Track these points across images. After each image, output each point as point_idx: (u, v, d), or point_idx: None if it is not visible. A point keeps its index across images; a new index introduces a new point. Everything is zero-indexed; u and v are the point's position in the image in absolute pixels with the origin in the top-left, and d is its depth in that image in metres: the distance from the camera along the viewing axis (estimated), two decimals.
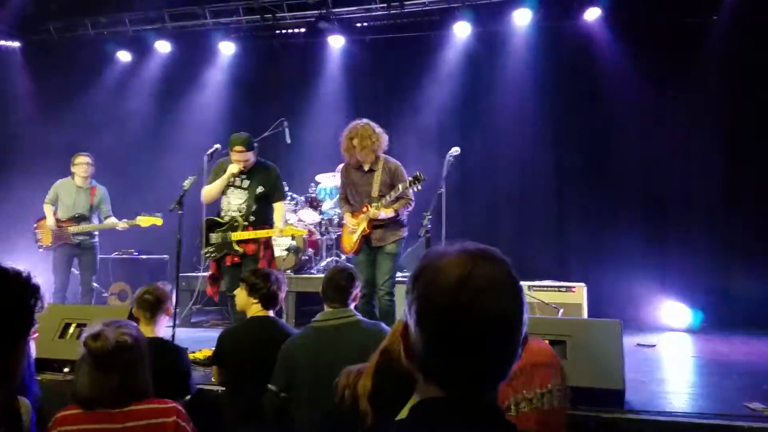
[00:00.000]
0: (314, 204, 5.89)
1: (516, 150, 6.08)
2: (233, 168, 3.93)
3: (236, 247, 3.89)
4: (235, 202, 3.98)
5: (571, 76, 5.84)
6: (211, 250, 4.02)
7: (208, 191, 4.00)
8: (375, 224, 3.75)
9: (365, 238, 3.80)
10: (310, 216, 5.88)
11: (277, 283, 2.67)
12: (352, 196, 3.91)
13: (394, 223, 3.78)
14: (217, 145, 4.18)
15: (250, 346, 2.52)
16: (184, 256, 4.07)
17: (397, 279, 3.84)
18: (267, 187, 3.95)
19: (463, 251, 0.86)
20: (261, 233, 3.86)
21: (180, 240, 3.87)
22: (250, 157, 3.90)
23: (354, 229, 3.87)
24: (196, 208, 4.05)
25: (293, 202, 5.71)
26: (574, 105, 5.87)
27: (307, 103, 6.70)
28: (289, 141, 4.86)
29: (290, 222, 4.05)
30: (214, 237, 4.00)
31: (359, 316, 2.40)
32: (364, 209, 3.77)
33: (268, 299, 2.64)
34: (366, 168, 3.77)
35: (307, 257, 5.66)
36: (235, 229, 3.93)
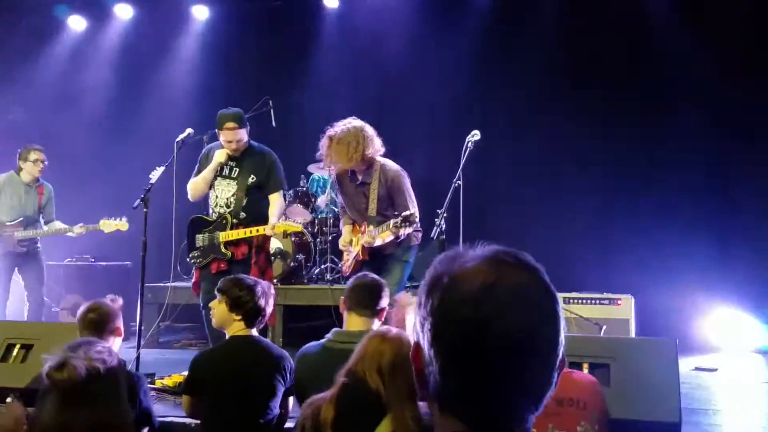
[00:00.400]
0: (305, 200, 5.92)
1: (548, 135, 6.10)
2: (220, 155, 3.94)
3: (224, 250, 3.90)
4: (223, 196, 3.99)
5: (618, 50, 5.84)
6: (196, 255, 4.03)
7: (194, 185, 4.03)
8: (373, 250, 3.74)
9: (362, 263, 3.80)
10: (300, 214, 5.91)
11: (265, 297, 2.61)
12: (349, 208, 3.91)
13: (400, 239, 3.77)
14: (190, 130, 4.20)
15: (230, 372, 2.47)
16: (151, 263, 4.11)
17: (407, 287, 3.91)
18: (260, 175, 3.96)
19: (487, 256, 0.84)
20: (253, 231, 3.89)
21: (145, 243, 3.90)
22: (244, 136, 3.92)
23: (347, 248, 3.88)
24: (166, 206, 4.10)
25: None
26: (624, 84, 5.85)
27: (298, 80, 6.70)
28: (274, 124, 4.91)
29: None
30: (201, 239, 4.02)
31: None
32: (362, 228, 3.78)
33: (253, 316, 2.58)
34: (359, 178, 3.77)
35: (296, 264, 5.71)
36: (223, 228, 3.94)
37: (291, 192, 5.88)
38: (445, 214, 3.52)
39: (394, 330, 1.94)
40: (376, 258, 3.79)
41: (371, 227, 3.66)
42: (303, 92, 6.70)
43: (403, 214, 3.45)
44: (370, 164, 3.70)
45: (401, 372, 1.75)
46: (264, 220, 3.92)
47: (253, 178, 3.97)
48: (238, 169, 4.00)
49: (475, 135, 3.79)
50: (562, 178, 6.11)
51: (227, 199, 4.00)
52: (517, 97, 6.19)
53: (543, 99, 6.09)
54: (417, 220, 3.64)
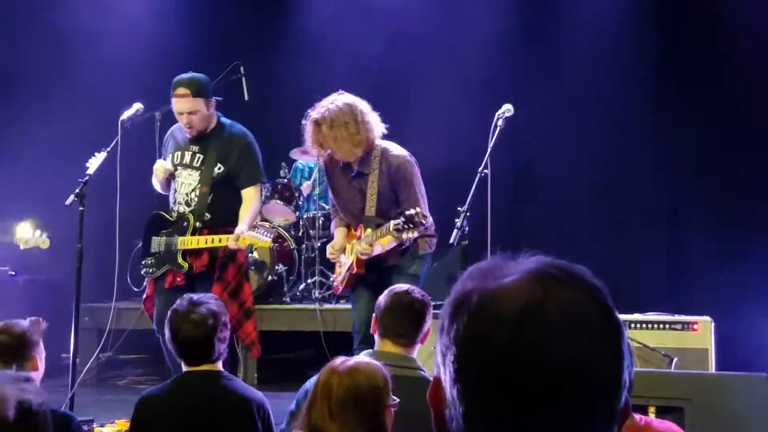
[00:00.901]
0: (287, 194, 5.95)
1: (603, 115, 6.11)
2: (159, 169, 3.99)
3: (180, 261, 3.92)
4: (183, 191, 4.02)
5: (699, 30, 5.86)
6: (150, 262, 4.06)
7: (154, 182, 4.14)
8: (371, 261, 3.72)
9: (356, 279, 3.77)
10: (281, 213, 5.94)
11: (222, 326, 2.55)
12: (342, 208, 3.90)
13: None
14: (138, 105, 4.19)
15: (182, 416, 2.47)
16: (89, 276, 4.11)
17: None
18: (230, 162, 3.97)
19: (530, 269, 0.84)
20: (213, 241, 3.89)
21: (81, 252, 3.89)
22: (201, 107, 3.92)
23: (338, 258, 3.87)
24: (109, 203, 4.10)
25: None
26: (701, 64, 5.87)
27: (279, 40, 6.73)
28: (247, 97, 4.93)
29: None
30: (157, 243, 4.06)
31: (424, 372, 2.46)
32: (358, 233, 3.76)
33: (206, 347, 2.53)
34: (354, 168, 3.75)
35: (275, 278, 5.73)
36: (183, 231, 3.96)
37: (269, 185, 5.89)
38: (467, 213, 3.52)
39: (353, 360, 1.98)
40: (375, 271, 3.74)
41: (368, 231, 3.64)
42: (285, 55, 6.72)
43: (406, 212, 3.44)
44: (369, 150, 3.71)
45: (355, 412, 1.77)
46: (236, 222, 3.92)
47: (220, 168, 3.97)
48: (201, 156, 4.00)
49: (507, 110, 3.79)
50: (621, 171, 6.12)
51: (187, 194, 4.00)
52: (564, 64, 6.20)
53: (602, 72, 6.10)
54: (428, 222, 3.62)
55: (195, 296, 2.61)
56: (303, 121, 3.77)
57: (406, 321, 2.53)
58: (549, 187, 6.26)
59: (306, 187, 6.06)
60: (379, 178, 3.66)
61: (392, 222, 3.49)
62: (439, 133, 6.13)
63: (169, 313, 2.57)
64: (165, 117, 4.55)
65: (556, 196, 6.22)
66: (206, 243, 3.88)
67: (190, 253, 3.93)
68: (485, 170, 3.61)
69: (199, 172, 3.96)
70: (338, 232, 3.92)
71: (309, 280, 5.89)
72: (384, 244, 3.60)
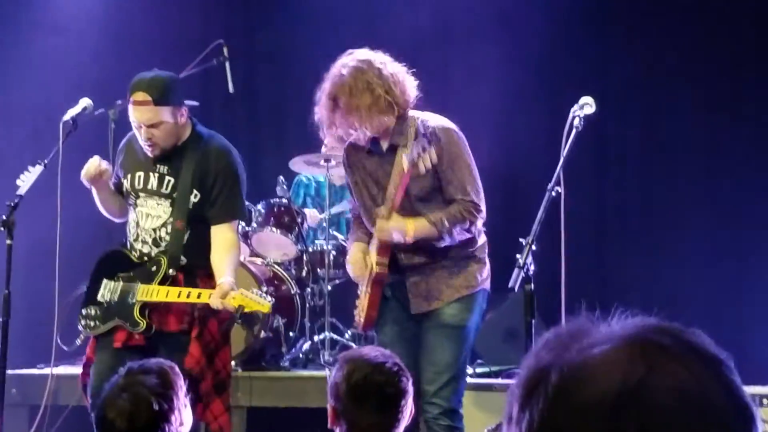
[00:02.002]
0: (287, 219, 6.01)
1: (703, 110, 6.22)
2: (87, 168, 3.98)
3: (136, 317, 3.93)
4: (149, 225, 4.04)
5: None
6: (92, 313, 4.07)
7: (99, 205, 4.17)
8: (406, 262, 3.80)
9: (382, 289, 3.84)
10: (278, 245, 6.00)
11: (170, 413, 2.49)
12: (368, 207, 3.95)
13: (452, 254, 3.83)
14: (86, 101, 4.27)
15: None
16: (19, 333, 4.15)
17: (470, 381, 3.93)
18: (205, 186, 4.02)
19: (628, 335, 0.85)
20: (189, 296, 3.90)
21: (8, 299, 3.94)
22: (165, 118, 3.94)
23: (359, 276, 3.92)
24: (46, 232, 4.13)
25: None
26: None
27: (272, 13, 6.85)
28: (232, 89, 4.99)
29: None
30: (108, 289, 4.08)
31: None
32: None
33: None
34: (384, 146, 3.84)
35: (269, 334, 5.77)
36: (149, 277, 3.99)
37: (262, 205, 5.96)
38: (533, 247, 3.50)
39: None
40: (411, 321, 3.85)
41: (382, 214, 3.75)
42: (284, 31, 6.81)
43: (458, 196, 3.65)
44: (402, 115, 3.80)
45: None
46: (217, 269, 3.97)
47: (196, 195, 4.01)
48: (172, 179, 4.03)
49: (587, 105, 3.78)
50: (747, 192, 6.15)
51: (155, 230, 4.03)
52: (654, 44, 6.31)
53: (704, 55, 6.20)
54: (481, 219, 3.73)
55: (137, 365, 2.54)
56: (315, 109, 3.83)
57: (375, 414, 2.52)
58: (647, 210, 6.34)
59: (312, 216, 6.12)
60: (413, 153, 3.69)
61: (434, 214, 3.67)
62: (487, 135, 6.15)
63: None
64: (122, 116, 4.61)
65: (656, 222, 6.29)
66: (179, 297, 3.88)
67: (153, 308, 3.94)
68: (557, 188, 3.59)
69: (171, 200, 3.99)
70: (355, 247, 3.96)
71: (316, 337, 5.90)
72: (417, 227, 3.68)
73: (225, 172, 4.02)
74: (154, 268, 3.97)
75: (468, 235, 3.75)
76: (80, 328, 4.12)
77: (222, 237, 3.99)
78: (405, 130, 3.73)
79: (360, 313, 3.90)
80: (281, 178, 6.06)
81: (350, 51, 3.83)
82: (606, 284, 6.30)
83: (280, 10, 6.89)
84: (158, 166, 4.02)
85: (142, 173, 4.04)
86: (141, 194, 4.03)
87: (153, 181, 4.03)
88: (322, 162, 5.83)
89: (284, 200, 6.03)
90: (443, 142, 3.72)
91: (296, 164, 6.11)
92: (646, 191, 6.39)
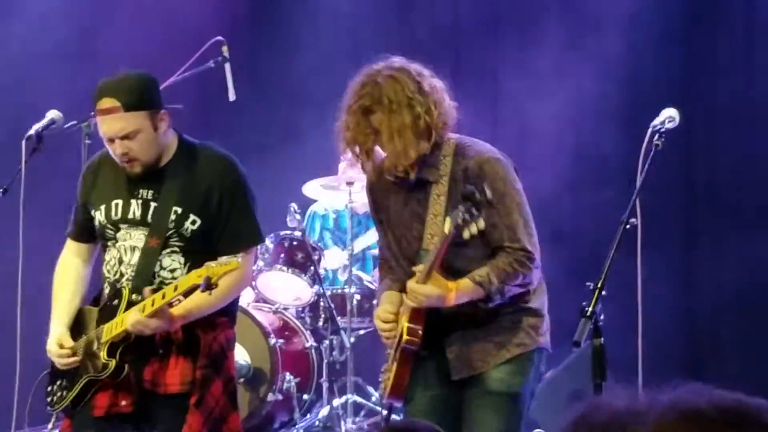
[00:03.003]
0: (299, 258, 6.04)
1: None
2: (52, 348, 3.92)
3: (103, 358, 3.85)
4: (129, 259, 3.99)
5: None
6: (60, 384, 4.02)
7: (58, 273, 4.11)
8: (443, 322, 3.75)
9: (413, 361, 3.78)
10: (289, 288, 6.02)
11: None
12: (395, 252, 3.94)
13: (502, 307, 3.77)
14: (54, 114, 4.31)
15: None
16: None
17: None
18: (208, 208, 3.98)
19: (678, 407, 0.89)
20: (155, 300, 3.74)
21: None
22: (141, 126, 3.84)
23: (389, 341, 3.86)
24: (5, 277, 4.17)
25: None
26: None
27: (284, 8, 6.96)
28: (233, 97, 5.02)
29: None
30: (75, 351, 4.02)
31: None
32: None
33: None
34: (411, 177, 3.79)
35: (279, 397, 5.75)
36: (110, 314, 3.94)
37: (270, 239, 5.97)
38: (603, 292, 3.50)
39: None
40: (451, 389, 3.80)
41: (421, 266, 3.66)
42: (295, 28, 6.87)
43: (506, 243, 3.61)
44: (438, 141, 3.74)
45: None
46: (219, 314, 3.94)
47: (195, 222, 3.97)
48: (155, 204, 4.05)
49: (670, 119, 3.78)
50: None
51: (133, 266, 3.97)
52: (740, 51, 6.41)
53: None
54: (536, 267, 3.67)
55: None
56: (334, 112, 3.76)
57: None
58: (744, 250, 6.31)
59: (335, 257, 6.14)
60: (450, 189, 3.69)
61: (479, 269, 3.59)
62: (548, 156, 6.17)
63: None
64: (97, 131, 4.63)
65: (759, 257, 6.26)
66: (144, 310, 3.75)
67: (128, 348, 3.88)
68: (633, 219, 3.58)
69: (148, 228, 3.91)
70: (386, 297, 3.93)
71: (336, 401, 5.89)
72: (462, 289, 3.63)
73: (232, 189, 3.95)
74: (116, 302, 3.92)
75: (521, 290, 3.70)
76: (49, 409, 4.07)
77: (229, 269, 3.75)
78: (437, 161, 3.72)
79: (386, 382, 3.86)
80: (294, 206, 6.07)
81: (383, 56, 3.79)
82: (694, 337, 6.27)
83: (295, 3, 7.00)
84: (140, 190, 3.96)
85: (120, 201, 3.96)
86: (121, 226, 3.97)
87: (135, 210, 3.95)
88: (342, 186, 5.86)
89: (297, 233, 6.05)
90: (485, 175, 3.66)
91: (312, 189, 6.15)
92: (738, 221, 6.41)
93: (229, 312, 4.03)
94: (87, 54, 6.34)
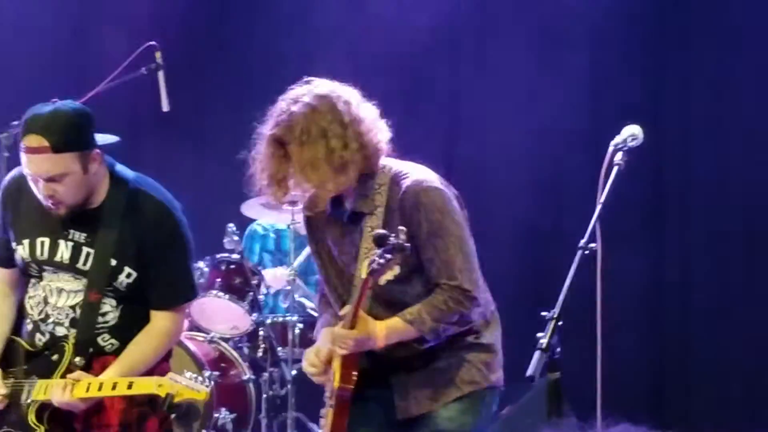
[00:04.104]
0: (237, 282, 6.04)
1: None
2: None
3: (31, 422, 3.83)
4: (63, 301, 3.97)
5: None
6: None
7: None
8: (387, 356, 3.74)
9: (348, 409, 3.73)
10: (225, 317, 6.00)
11: None
12: (335, 286, 3.94)
13: (450, 342, 3.76)
14: None
15: None
16: None
17: None
18: (143, 261, 3.97)
19: None
20: (102, 386, 3.76)
21: None
22: (70, 169, 3.77)
23: (323, 380, 3.84)
24: None
25: None
26: None
27: (224, 15, 6.97)
28: (166, 107, 4.98)
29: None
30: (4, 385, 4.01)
31: None
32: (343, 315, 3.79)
33: None
34: (346, 207, 3.81)
35: None
36: (47, 370, 3.90)
37: (205, 263, 5.96)
38: (560, 322, 3.43)
39: None
40: (383, 403, 3.77)
41: (347, 307, 3.66)
42: (236, 30, 6.89)
43: (442, 281, 3.60)
44: (370, 171, 3.73)
45: None
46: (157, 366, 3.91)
47: (130, 275, 3.91)
48: (89, 250, 3.97)
49: (632, 137, 3.74)
50: None
51: (74, 309, 3.92)
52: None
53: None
54: (480, 304, 3.65)
55: None
56: (253, 157, 3.74)
57: None
58: (712, 273, 6.40)
59: (275, 277, 6.07)
60: (384, 221, 3.67)
61: (409, 309, 3.59)
62: (504, 175, 6.14)
63: None
64: (15, 146, 4.55)
65: (730, 285, 6.36)
66: (87, 392, 3.77)
67: (57, 412, 3.82)
68: (592, 244, 3.52)
69: (85, 277, 3.87)
70: (323, 335, 3.85)
71: None
72: (392, 327, 3.62)
73: (168, 241, 3.92)
74: (55, 357, 3.88)
75: (460, 329, 3.66)
76: None
77: (157, 324, 3.92)
78: (371, 191, 3.70)
79: (324, 429, 3.83)
80: (231, 226, 6.06)
81: (307, 79, 3.76)
82: (658, 370, 6.28)
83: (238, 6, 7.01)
84: (71, 231, 3.90)
85: (47, 240, 3.91)
86: (47, 267, 3.92)
87: (63, 252, 3.90)
88: (285, 205, 5.78)
89: (235, 256, 6.04)
90: (420, 207, 3.66)
91: (251, 208, 6.11)
92: (711, 246, 6.47)
93: None
94: (6, 57, 6.26)
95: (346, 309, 3.66)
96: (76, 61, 5.72)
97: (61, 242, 3.89)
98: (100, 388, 3.72)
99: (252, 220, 6.35)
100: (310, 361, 3.81)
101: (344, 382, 3.66)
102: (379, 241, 3.45)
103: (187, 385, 3.69)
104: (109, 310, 3.89)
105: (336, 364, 3.71)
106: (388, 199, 3.69)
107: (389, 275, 3.47)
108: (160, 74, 4.99)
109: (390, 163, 3.75)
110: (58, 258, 3.89)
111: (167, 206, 3.95)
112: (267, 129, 3.69)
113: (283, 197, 3.81)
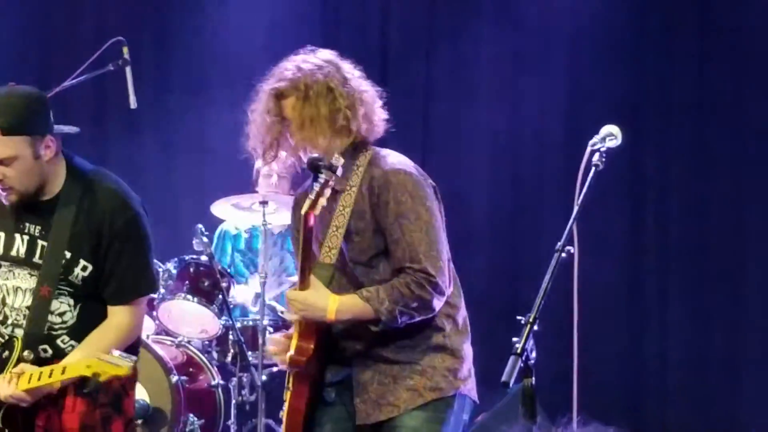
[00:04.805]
0: (206, 285, 6.01)
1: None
2: None
3: None
4: (20, 301, 3.97)
5: None
6: None
7: None
8: (348, 351, 3.74)
9: (307, 386, 3.75)
10: (194, 321, 6.00)
11: None
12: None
13: (413, 342, 3.74)
14: None
15: None
16: None
17: None
18: (99, 255, 3.96)
19: None
20: (32, 377, 3.72)
21: None
22: (20, 152, 3.80)
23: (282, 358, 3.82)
24: None
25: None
26: None
27: (196, 8, 6.96)
28: (134, 104, 4.98)
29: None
30: None
31: None
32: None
33: None
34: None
35: None
36: (2, 367, 3.87)
37: (173, 265, 5.96)
38: (536, 327, 3.43)
39: None
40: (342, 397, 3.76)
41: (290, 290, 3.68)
42: (204, 33, 6.88)
43: (406, 264, 3.59)
44: (359, 146, 3.75)
45: None
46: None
47: (86, 268, 3.90)
48: (43, 243, 3.92)
49: (611, 137, 3.74)
50: None
51: (19, 310, 3.93)
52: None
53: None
54: (443, 289, 3.63)
55: None
56: (249, 117, 3.74)
57: None
58: (690, 276, 6.46)
59: (243, 293, 6.09)
60: (356, 200, 3.70)
61: (366, 289, 3.60)
62: (479, 174, 6.14)
63: None
64: None
65: (709, 290, 6.41)
66: (29, 383, 3.72)
67: (13, 413, 3.83)
68: (569, 247, 3.52)
69: (38, 272, 3.87)
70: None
71: None
72: (352, 307, 3.60)
73: (123, 234, 3.89)
74: (6, 354, 3.86)
75: (420, 317, 3.62)
76: None
77: (114, 320, 3.91)
78: (350, 171, 3.70)
79: (283, 414, 3.82)
80: (200, 227, 5.99)
81: (311, 48, 3.80)
82: (636, 375, 6.30)
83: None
84: (27, 224, 3.90)
85: (2, 234, 3.93)
86: (2, 263, 3.92)
87: (20, 246, 3.91)
88: (255, 206, 5.82)
89: (204, 258, 5.99)
90: (389, 190, 3.65)
91: (221, 209, 6.09)
92: (688, 249, 6.52)
93: (130, 346, 3.96)
94: None
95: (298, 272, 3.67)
96: (41, 56, 5.68)
97: (17, 236, 3.90)
98: (39, 378, 3.69)
99: (221, 221, 6.33)
100: (272, 341, 3.85)
101: (298, 353, 3.63)
102: (313, 164, 3.46)
103: (109, 361, 3.62)
104: (67, 310, 3.88)
105: (293, 338, 3.69)
106: (362, 180, 3.69)
107: (323, 201, 3.47)
108: (128, 70, 4.96)
109: (372, 148, 3.78)
110: (13, 252, 3.90)
111: (124, 197, 3.93)
112: (268, 85, 3.70)
113: (271, 161, 3.81)
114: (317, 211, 3.52)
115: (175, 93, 6.53)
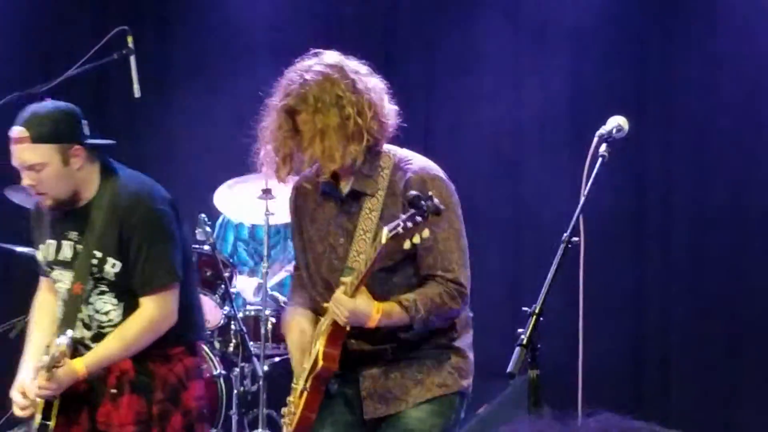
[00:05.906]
0: (208, 275, 6.05)
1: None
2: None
3: (37, 420, 4.00)
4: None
5: None
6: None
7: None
8: (357, 349, 3.76)
9: (325, 387, 3.78)
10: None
11: None
12: (312, 273, 3.94)
13: (422, 342, 3.79)
14: None
15: None
16: None
17: None
18: (124, 251, 4.09)
19: None
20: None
21: None
22: (49, 160, 4.00)
23: (296, 365, 3.90)
24: None
25: None
26: None
27: (194, 14, 6.98)
28: (138, 93, 5.04)
29: None
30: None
31: None
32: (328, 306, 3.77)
33: None
34: (342, 189, 3.82)
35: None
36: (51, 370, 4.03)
37: None
38: (540, 317, 3.50)
39: None
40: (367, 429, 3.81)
41: (349, 279, 3.65)
42: (208, 21, 6.91)
43: (438, 273, 3.63)
44: (375, 150, 3.76)
45: None
46: (168, 345, 4.09)
47: (115, 265, 4.06)
48: (80, 246, 4.11)
49: (617, 128, 3.80)
50: None
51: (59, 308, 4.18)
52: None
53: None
54: (467, 302, 3.70)
55: None
56: (259, 131, 3.77)
57: None
58: (700, 266, 6.47)
59: (247, 284, 6.12)
60: (384, 204, 3.70)
61: (405, 295, 3.60)
62: (485, 167, 6.19)
63: None
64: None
65: (714, 279, 6.41)
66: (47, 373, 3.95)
67: (63, 408, 4.02)
68: (575, 238, 3.59)
69: (72, 271, 4.11)
70: (294, 325, 3.91)
71: None
72: (385, 310, 3.62)
73: (140, 228, 4.07)
74: (56, 361, 4.00)
75: (444, 324, 3.71)
76: None
77: (140, 311, 4.07)
78: (375, 172, 3.73)
79: (290, 417, 3.83)
80: (203, 216, 6.04)
81: (315, 51, 3.79)
82: (640, 365, 6.35)
83: None
84: (69, 232, 4.12)
85: (53, 241, 4.15)
86: (55, 267, 4.13)
87: (66, 252, 4.13)
88: (259, 194, 5.84)
89: (206, 247, 6.01)
90: (428, 192, 3.55)
91: (222, 197, 6.11)
92: (695, 239, 6.53)
93: (185, 341, 4.21)
94: None
95: (349, 278, 3.64)
96: (44, 47, 5.70)
97: (64, 243, 4.15)
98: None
99: (220, 214, 6.39)
100: (289, 340, 3.91)
101: (327, 361, 3.66)
102: (414, 202, 3.41)
103: (53, 354, 3.89)
104: (111, 309, 4.09)
105: (319, 344, 3.70)
106: (390, 183, 3.70)
107: (417, 239, 3.44)
108: (132, 59, 4.98)
109: (393, 149, 3.79)
110: (61, 257, 4.15)
111: (143, 196, 4.12)
112: (276, 100, 3.71)
113: (285, 176, 3.82)
114: (406, 246, 3.47)
115: (180, 81, 6.57)
